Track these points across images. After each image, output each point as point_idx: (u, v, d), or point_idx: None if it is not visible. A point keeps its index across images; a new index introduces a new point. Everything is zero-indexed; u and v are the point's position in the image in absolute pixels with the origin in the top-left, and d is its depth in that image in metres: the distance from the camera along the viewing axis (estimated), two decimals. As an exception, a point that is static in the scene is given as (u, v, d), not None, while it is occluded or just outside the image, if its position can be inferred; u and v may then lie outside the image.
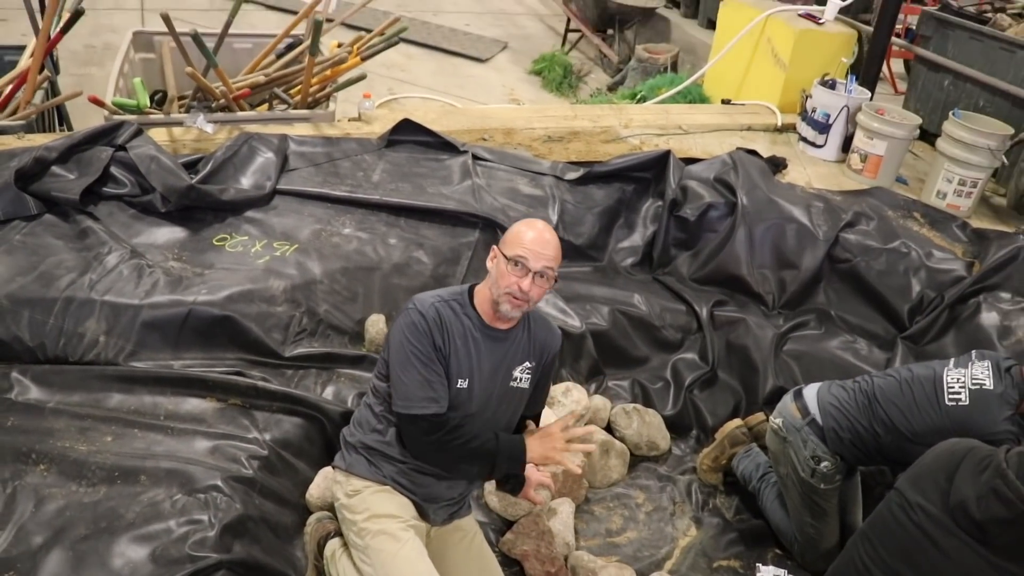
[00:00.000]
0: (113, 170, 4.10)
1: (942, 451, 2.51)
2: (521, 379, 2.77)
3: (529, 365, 2.78)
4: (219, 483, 2.94)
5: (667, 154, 4.77)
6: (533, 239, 2.60)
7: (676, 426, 3.99)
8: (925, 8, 6.17)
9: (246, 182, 4.22)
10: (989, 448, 2.44)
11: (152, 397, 3.31)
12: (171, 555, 2.68)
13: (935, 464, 2.47)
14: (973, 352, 3.18)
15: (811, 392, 3.35)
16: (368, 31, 5.56)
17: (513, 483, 2.82)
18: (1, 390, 3.25)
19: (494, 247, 2.68)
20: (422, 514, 2.75)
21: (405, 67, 8.40)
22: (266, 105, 5.21)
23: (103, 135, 4.23)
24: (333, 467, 2.88)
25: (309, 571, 2.89)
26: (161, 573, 2.62)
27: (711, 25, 8.68)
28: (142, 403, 3.28)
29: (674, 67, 8.28)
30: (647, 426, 3.85)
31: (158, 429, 3.16)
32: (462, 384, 2.63)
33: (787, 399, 3.41)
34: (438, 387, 2.58)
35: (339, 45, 5.31)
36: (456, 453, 2.59)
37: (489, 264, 2.68)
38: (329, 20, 5.72)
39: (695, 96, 6.85)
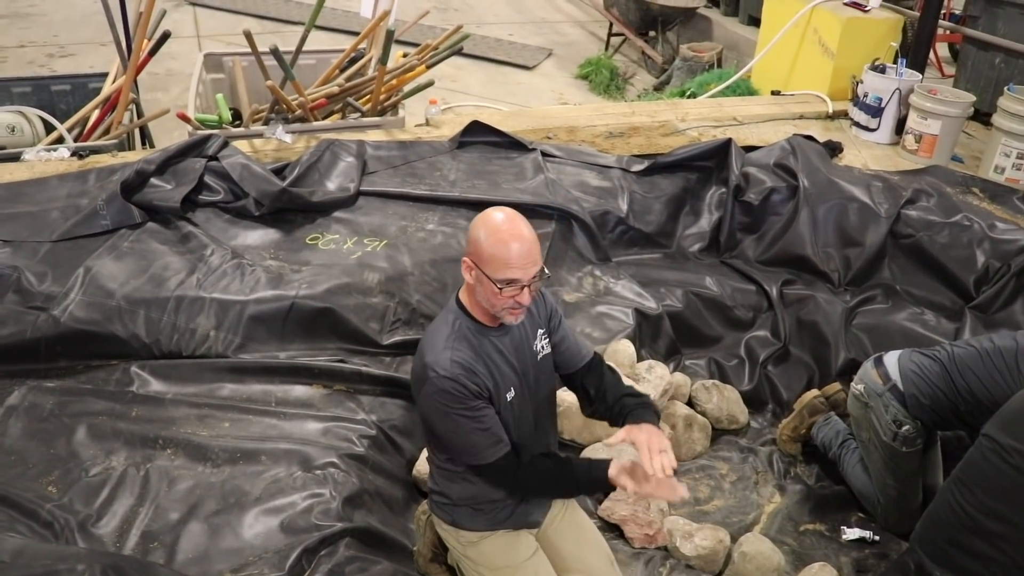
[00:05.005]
0: (207, 179, 4.34)
1: None
2: (544, 347, 2.70)
3: (543, 332, 2.70)
4: (335, 460, 3.14)
5: (728, 142, 4.93)
6: (518, 254, 2.38)
7: (752, 401, 4.12)
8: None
9: (331, 185, 4.45)
10: None
11: (262, 386, 3.53)
12: (299, 525, 2.88)
13: None
14: None
15: (892, 359, 3.40)
16: (416, 45, 5.78)
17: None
18: (124, 384, 3.49)
19: (466, 259, 2.47)
20: (535, 524, 2.79)
21: (455, 78, 8.63)
22: (338, 115, 5.44)
23: (194, 147, 4.48)
24: (436, 518, 2.82)
25: (421, 544, 3.03)
26: (291, 541, 2.81)
27: (752, 22, 8.81)
28: (253, 392, 3.50)
29: (719, 64, 8.44)
30: (726, 400, 4.00)
31: (271, 415, 3.38)
32: (511, 396, 2.59)
33: (868, 365, 3.47)
34: (496, 429, 2.52)
35: (404, 55, 5.53)
36: (543, 490, 2.65)
37: (467, 275, 2.49)
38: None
39: (744, 90, 7.01)
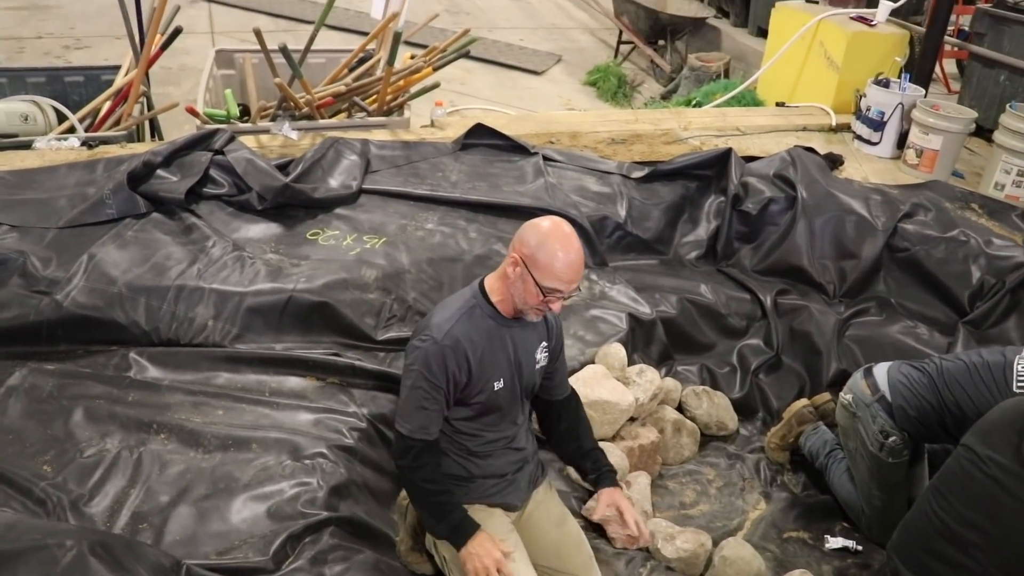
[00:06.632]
0: (212, 172, 4.42)
1: (1009, 408, 2.68)
2: (540, 360, 2.82)
3: (546, 345, 2.83)
4: (324, 450, 3.18)
5: (729, 152, 4.97)
6: (567, 268, 2.54)
7: (743, 409, 4.14)
8: (979, 6, 6.30)
9: (334, 182, 4.52)
10: None
11: (257, 376, 3.57)
12: (285, 512, 2.92)
13: (1004, 420, 2.65)
14: None
15: (881, 370, 3.44)
16: (424, 47, 5.85)
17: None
18: (121, 369, 3.55)
19: (515, 255, 2.58)
20: (511, 507, 2.85)
21: (464, 81, 8.69)
22: (344, 114, 5.51)
23: (201, 141, 4.56)
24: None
25: (403, 532, 3.07)
26: (276, 527, 2.86)
27: (761, 33, 8.84)
28: (248, 381, 3.55)
29: (726, 74, 8.48)
30: (716, 407, 4.03)
31: (264, 404, 3.42)
32: (499, 386, 2.69)
33: (857, 376, 3.51)
34: (434, 418, 2.64)
35: (412, 57, 5.60)
36: (418, 490, 2.69)
37: (510, 270, 2.61)
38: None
39: (749, 101, 7.03)
